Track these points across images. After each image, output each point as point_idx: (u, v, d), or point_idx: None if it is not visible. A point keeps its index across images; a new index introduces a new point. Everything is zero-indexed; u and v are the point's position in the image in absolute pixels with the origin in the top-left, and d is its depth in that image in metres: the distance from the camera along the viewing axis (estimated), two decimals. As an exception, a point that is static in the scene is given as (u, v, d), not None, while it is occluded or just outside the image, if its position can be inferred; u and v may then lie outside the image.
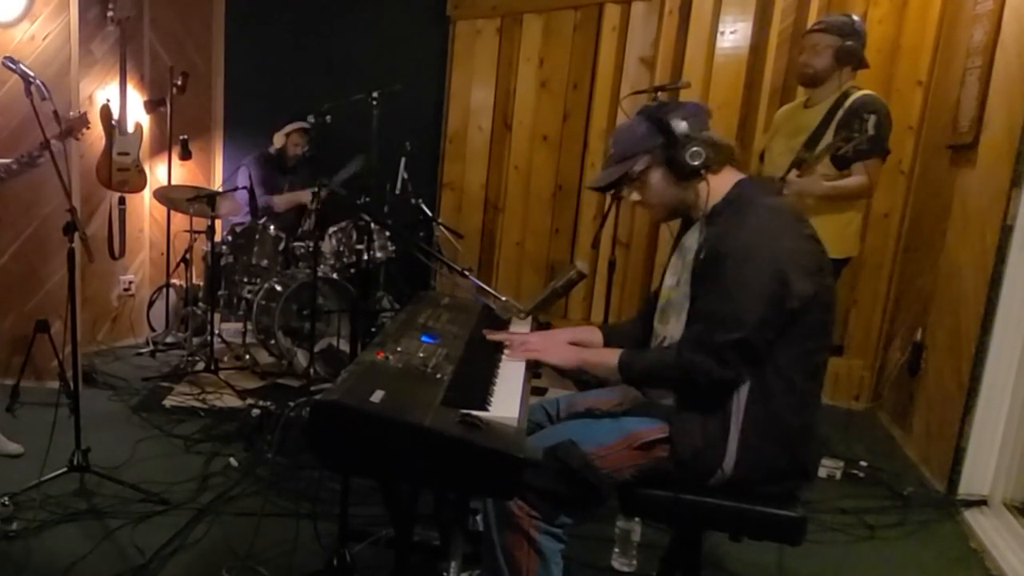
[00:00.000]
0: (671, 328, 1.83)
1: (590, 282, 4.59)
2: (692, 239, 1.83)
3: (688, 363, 1.68)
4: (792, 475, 1.74)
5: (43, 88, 2.65)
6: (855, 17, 3.05)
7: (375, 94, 4.26)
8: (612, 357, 1.81)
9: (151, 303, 4.85)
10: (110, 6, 4.21)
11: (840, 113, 2.95)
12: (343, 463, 1.57)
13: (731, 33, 4.13)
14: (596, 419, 1.85)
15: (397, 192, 4.63)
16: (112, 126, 4.28)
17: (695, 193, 1.79)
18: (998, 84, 3.03)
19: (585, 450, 1.68)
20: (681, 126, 1.74)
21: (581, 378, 1.94)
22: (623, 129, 1.90)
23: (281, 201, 4.61)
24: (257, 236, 4.32)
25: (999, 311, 2.83)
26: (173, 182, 4.68)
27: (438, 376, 1.68)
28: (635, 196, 1.87)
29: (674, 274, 1.87)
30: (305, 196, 4.49)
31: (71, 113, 3.25)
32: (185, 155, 4.69)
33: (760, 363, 1.67)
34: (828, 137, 2.95)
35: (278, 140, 4.67)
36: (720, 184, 1.78)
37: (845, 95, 2.97)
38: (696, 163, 1.73)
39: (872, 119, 2.73)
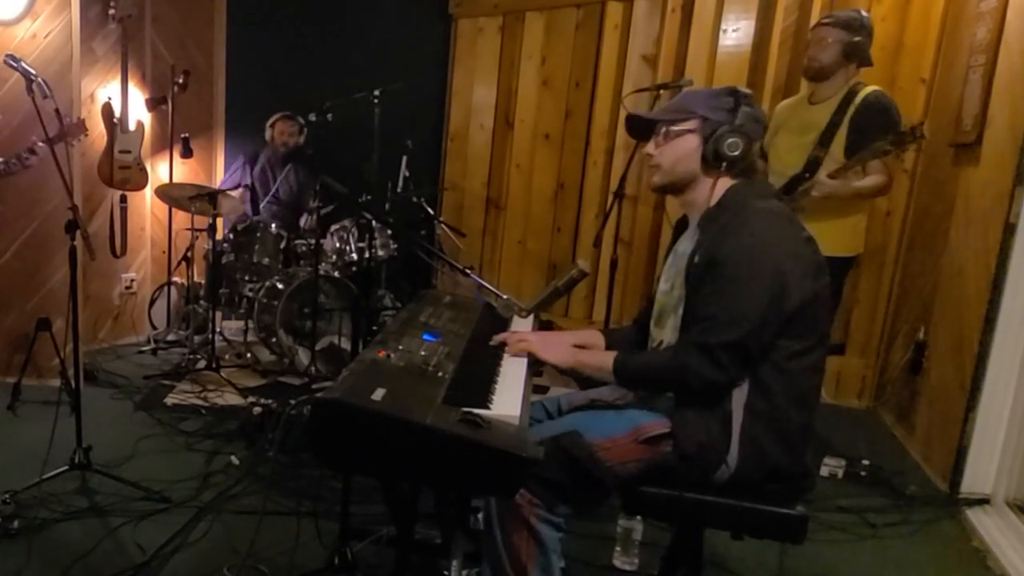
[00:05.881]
0: (666, 332, 1.83)
1: (592, 281, 4.58)
2: (685, 244, 1.83)
3: (682, 365, 1.68)
4: (793, 476, 1.73)
5: (44, 86, 2.65)
6: (864, 13, 3.01)
7: (377, 92, 4.26)
8: (608, 358, 1.81)
9: (152, 301, 4.85)
10: (111, 4, 4.20)
11: (851, 110, 2.93)
12: (344, 461, 1.56)
13: (733, 31, 4.12)
14: (601, 411, 1.85)
15: (399, 190, 4.64)
16: (113, 124, 4.28)
17: (701, 183, 1.80)
18: (1001, 82, 3.02)
19: (590, 441, 1.68)
20: (743, 116, 1.74)
21: (580, 377, 1.94)
22: (702, 89, 1.91)
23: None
24: (258, 234, 4.32)
25: (1002, 309, 2.83)
26: (174, 180, 4.68)
27: (440, 374, 1.68)
28: (653, 147, 1.85)
29: (668, 279, 1.87)
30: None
31: (66, 119, 3.26)
32: (186, 153, 4.69)
33: (755, 364, 1.67)
34: (842, 135, 2.94)
35: (267, 135, 4.73)
36: (719, 189, 1.79)
37: (853, 92, 2.96)
38: (731, 153, 1.73)
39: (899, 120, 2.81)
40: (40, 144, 3.04)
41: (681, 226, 1.94)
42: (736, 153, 1.73)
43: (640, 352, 1.85)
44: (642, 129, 1.91)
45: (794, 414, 1.69)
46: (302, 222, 4.54)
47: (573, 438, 1.67)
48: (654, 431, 1.71)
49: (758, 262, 1.64)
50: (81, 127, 3.23)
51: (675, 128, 1.80)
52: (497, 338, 2.00)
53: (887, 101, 2.93)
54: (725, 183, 1.78)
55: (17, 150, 3.14)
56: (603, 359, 1.83)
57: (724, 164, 1.75)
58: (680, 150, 1.80)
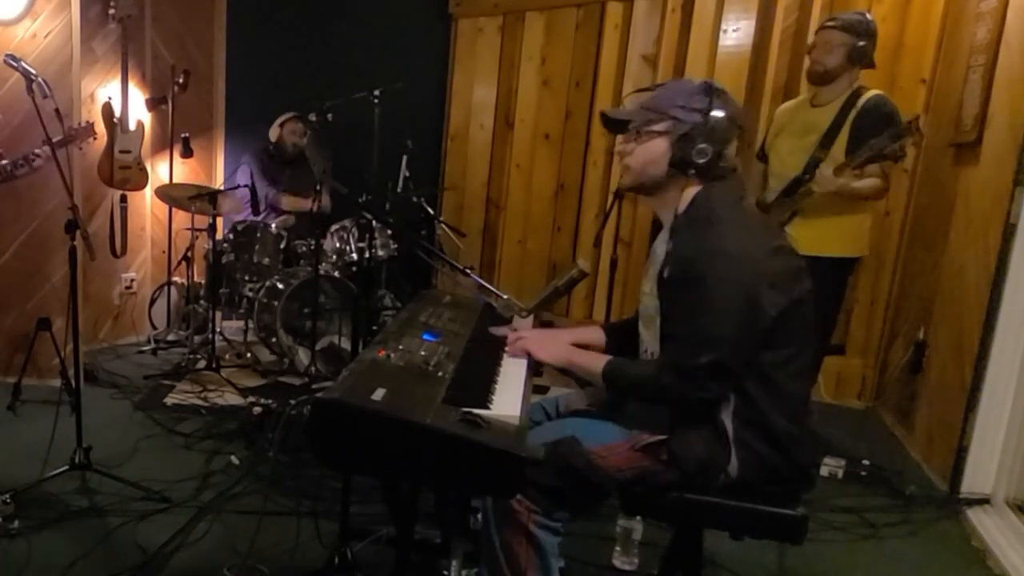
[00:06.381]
0: (650, 337, 1.82)
1: (592, 281, 4.58)
2: (660, 248, 1.81)
3: (665, 386, 1.67)
4: (792, 479, 1.73)
5: (44, 86, 2.65)
6: (869, 16, 3.01)
7: (377, 92, 4.25)
8: (599, 364, 1.79)
9: (153, 301, 4.85)
10: (111, 4, 4.20)
11: (853, 113, 2.94)
12: (344, 461, 1.56)
13: (734, 31, 4.12)
14: (598, 419, 1.84)
15: (399, 190, 4.64)
16: (114, 124, 4.28)
17: (670, 187, 1.76)
18: (1001, 82, 3.02)
19: (587, 448, 1.67)
20: (715, 119, 1.69)
21: (577, 375, 1.94)
22: (678, 85, 1.82)
23: (288, 202, 4.64)
24: (258, 234, 4.32)
25: (1002, 309, 2.83)
26: (175, 180, 4.68)
27: (440, 374, 1.68)
28: (624, 147, 1.81)
29: (647, 282, 1.85)
30: (307, 204, 4.53)
31: (77, 123, 3.25)
32: (187, 153, 4.68)
33: (738, 377, 1.66)
34: (843, 138, 2.94)
35: (273, 133, 4.72)
36: (687, 195, 1.75)
37: (856, 95, 2.96)
38: (698, 160, 1.69)
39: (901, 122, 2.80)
40: (47, 147, 3.04)
41: (658, 224, 1.91)
42: (703, 161, 1.69)
43: (629, 362, 1.82)
44: (616, 125, 1.86)
45: (783, 421, 1.68)
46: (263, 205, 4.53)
47: (571, 445, 1.67)
48: (651, 438, 1.70)
49: (728, 279, 1.61)
50: (90, 130, 3.22)
51: (646, 129, 1.75)
52: (499, 331, 2.00)
53: (890, 106, 2.94)
54: (693, 189, 1.75)
55: (24, 151, 3.13)
56: (594, 363, 1.81)
57: (692, 171, 1.71)
58: (650, 152, 1.75)
